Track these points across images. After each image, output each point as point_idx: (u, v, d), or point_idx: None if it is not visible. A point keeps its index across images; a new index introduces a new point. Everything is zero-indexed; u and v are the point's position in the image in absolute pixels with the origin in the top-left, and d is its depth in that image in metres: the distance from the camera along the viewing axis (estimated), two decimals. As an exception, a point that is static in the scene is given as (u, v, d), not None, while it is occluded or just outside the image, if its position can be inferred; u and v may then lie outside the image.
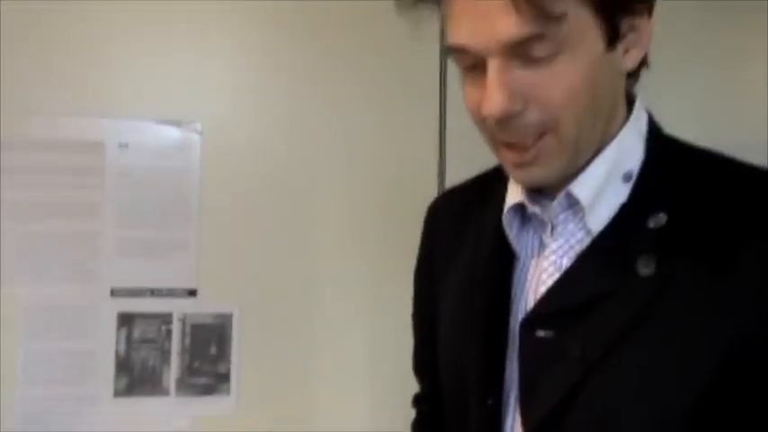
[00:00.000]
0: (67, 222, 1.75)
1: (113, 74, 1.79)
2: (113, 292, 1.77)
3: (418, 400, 1.14)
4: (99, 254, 1.76)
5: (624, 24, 0.81)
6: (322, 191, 1.86)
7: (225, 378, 1.81)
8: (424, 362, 1.08)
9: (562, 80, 0.79)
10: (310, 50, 1.85)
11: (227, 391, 1.81)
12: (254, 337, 1.82)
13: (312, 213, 1.85)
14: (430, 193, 1.83)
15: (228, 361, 1.81)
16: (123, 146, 1.81)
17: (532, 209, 0.90)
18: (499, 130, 0.83)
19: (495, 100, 0.79)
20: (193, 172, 1.82)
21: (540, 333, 0.84)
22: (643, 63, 0.87)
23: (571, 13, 0.77)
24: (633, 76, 0.88)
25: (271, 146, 1.85)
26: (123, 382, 1.77)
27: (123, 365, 1.77)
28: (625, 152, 0.87)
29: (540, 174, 0.85)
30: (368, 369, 1.85)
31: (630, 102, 0.90)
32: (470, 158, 1.85)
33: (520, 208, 0.91)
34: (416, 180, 1.87)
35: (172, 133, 1.82)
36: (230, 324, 1.81)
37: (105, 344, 1.76)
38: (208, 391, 1.80)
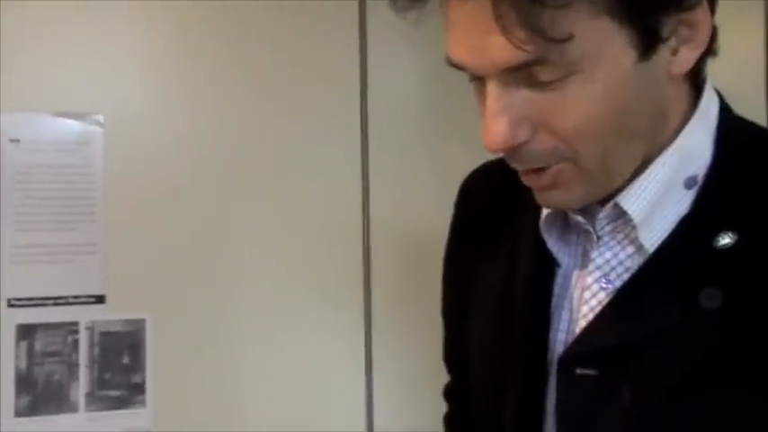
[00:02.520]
0: (-46, 227, 1.58)
1: (2, 62, 1.63)
2: (10, 303, 1.61)
3: (449, 394, 1.03)
4: (-8, 261, 1.60)
5: (666, 24, 0.66)
6: (236, 188, 1.76)
7: (140, 389, 1.69)
8: (453, 354, 0.98)
9: (576, 106, 0.66)
10: (225, 42, 1.74)
11: (143, 404, 1.69)
12: (170, 344, 1.71)
13: (227, 213, 1.75)
14: (353, 191, 1.81)
15: (143, 371, 1.69)
16: (15, 141, 1.65)
17: (575, 218, 0.77)
18: (508, 158, 0.71)
19: (494, 130, 0.67)
20: (96, 168, 1.68)
21: (581, 371, 0.73)
22: (707, 54, 0.72)
23: (581, 30, 0.63)
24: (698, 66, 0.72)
25: (182, 141, 1.74)
26: (25, 400, 1.61)
27: (24, 382, 1.61)
28: (689, 153, 0.73)
29: (561, 198, 0.73)
30: (289, 371, 1.78)
31: (698, 90, 0.75)
32: (394, 151, 1.84)
33: (560, 212, 0.78)
34: (339, 178, 1.81)
35: (71, 127, 1.67)
36: (143, 331, 1.69)
37: (4, 359, 1.60)
38: (121, 404, 1.68)
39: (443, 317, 1.01)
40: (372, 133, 1.82)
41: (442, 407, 1.04)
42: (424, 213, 1.78)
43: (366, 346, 1.81)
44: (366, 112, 1.83)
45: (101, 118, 1.69)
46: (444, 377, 1.03)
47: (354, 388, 1.80)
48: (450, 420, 1.03)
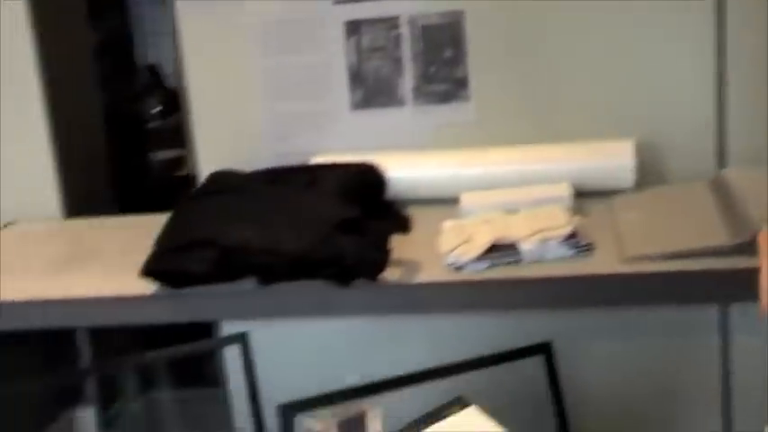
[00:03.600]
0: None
1: None
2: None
3: None
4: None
5: None
6: None
7: (463, 83, 1.64)
8: None
9: None
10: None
11: (466, 98, 1.64)
12: (490, 37, 1.59)
13: None
14: None
15: (465, 65, 1.62)
16: None
17: None
18: None
19: None
20: None
21: None
22: None
23: None
24: None
25: None
26: (359, 94, 1.69)
27: (357, 77, 1.68)
28: None
29: None
30: (617, 72, 1.53)
31: None
32: None
33: None
34: None
35: None
36: (463, 23, 1.60)
37: (336, 56, 1.67)
38: (446, 98, 1.65)
39: None
40: None
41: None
42: None
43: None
44: None
45: None
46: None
47: (702, 103, 1.50)
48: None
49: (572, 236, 1.40)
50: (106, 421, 1.72)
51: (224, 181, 1.57)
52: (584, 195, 1.54)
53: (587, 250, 1.40)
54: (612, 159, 1.57)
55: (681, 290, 1.30)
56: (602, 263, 1.35)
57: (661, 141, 1.58)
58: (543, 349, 0.97)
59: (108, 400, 1.74)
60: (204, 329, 1.57)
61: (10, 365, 1.50)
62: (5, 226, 1.76)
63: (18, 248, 1.68)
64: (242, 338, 1.10)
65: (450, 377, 1.15)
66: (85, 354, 1.70)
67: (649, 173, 1.56)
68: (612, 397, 1.50)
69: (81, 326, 1.54)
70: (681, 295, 1.32)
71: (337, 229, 1.39)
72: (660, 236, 1.38)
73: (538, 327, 1.22)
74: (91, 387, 1.71)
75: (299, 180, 1.54)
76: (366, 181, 1.58)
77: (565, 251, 1.39)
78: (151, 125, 2.56)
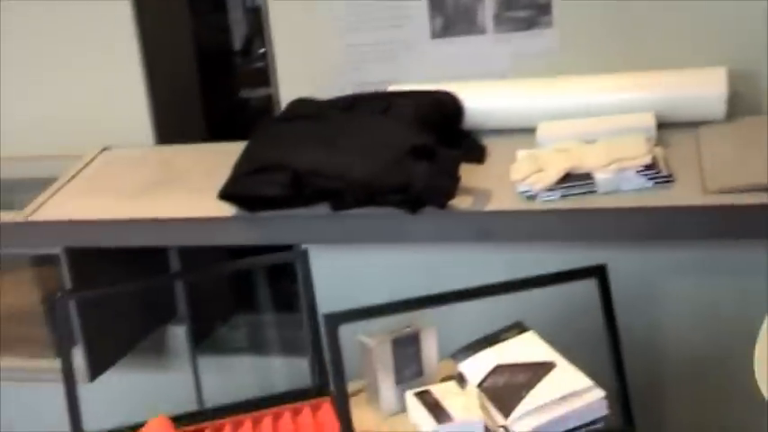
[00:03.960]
0: None
1: None
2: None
3: None
4: None
5: None
6: None
7: (546, 9, 1.58)
8: None
9: None
10: None
11: (549, 24, 1.59)
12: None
13: None
14: None
15: (548, -9, 1.57)
16: None
17: None
18: None
19: None
20: None
21: None
22: None
23: None
24: None
25: None
26: (439, 22, 1.66)
27: (436, 5, 1.65)
28: None
29: None
30: None
31: None
32: None
33: None
34: None
35: None
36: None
37: (416, -17, 1.65)
38: (527, 25, 1.60)
39: None
40: None
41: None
42: None
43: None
44: None
45: None
46: None
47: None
48: None
49: (651, 166, 1.35)
50: (196, 338, 1.81)
51: (301, 108, 1.59)
52: (670, 126, 1.48)
53: (667, 182, 1.35)
54: (703, 88, 1.49)
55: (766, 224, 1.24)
56: (682, 195, 1.30)
57: (755, 70, 1.48)
58: (598, 272, 0.95)
59: (198, 320, 1.83)
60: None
61: (107, 283, 1.60)
62: (102, 151, 1.86)
63: (113, 172, 1.77)
64: (303, 255, 1.13)
65: (506, 296, 1.15)
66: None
67: (741, 103, 1.47)
68: (675, 334, 1.44)
69: (167, 245, 1.62)
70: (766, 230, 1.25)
71: (408, 155, 1.39)
72: (746, 168, 1.31)
73: (609, 259, 1.19)
74: (182, 307, 1.80)
75: (374, 107, 1.54)
76: (442, 109, 1.57)
77: (642, 182, 1.35)
78: (249, 65, 2.61)
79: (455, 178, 1.37)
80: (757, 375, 0.70)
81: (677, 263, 1.29)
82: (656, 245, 1.34)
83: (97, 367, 1.67)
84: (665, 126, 1.47)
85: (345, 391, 0.93)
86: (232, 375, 1.77)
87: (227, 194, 1.44)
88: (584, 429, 0.99)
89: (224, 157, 1.52)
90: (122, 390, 1.79)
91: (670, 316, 1.36)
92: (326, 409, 1.10)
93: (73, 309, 1.54)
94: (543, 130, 1.51)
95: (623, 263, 1.32)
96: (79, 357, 1.62)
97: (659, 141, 1.46)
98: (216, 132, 2.00)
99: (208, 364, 1.82)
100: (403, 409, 1.12)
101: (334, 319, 0.91)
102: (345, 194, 1.39)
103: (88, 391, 1.38)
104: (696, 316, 1.44)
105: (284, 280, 1.89)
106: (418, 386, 1.11)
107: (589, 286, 0.96)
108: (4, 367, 1.71)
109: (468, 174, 1.44)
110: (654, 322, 1.37)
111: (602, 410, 1.00)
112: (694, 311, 1.44)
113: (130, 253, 1.60)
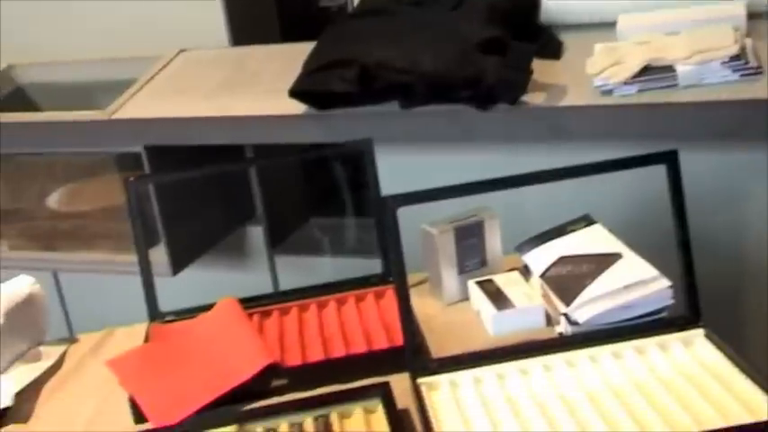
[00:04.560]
0: None
1: None
2: None
3: None
4: None
5: None
6: None
7: None
8: None
9: None
10: None
11: None
12: None
13: None
14: None
15: None
16: None
17: None
18: None
19: None
20: None
21: None
22: None
23: None
24: None
25: None
26: None
27: None
28: None
29: None
30: None
31: None
32: None
33: None
34: None
35: None
36: None
37: None
38: None
39: None
40: None
41: None
42: None
43: None
44: None
45: None
46: None
47: None
48: None
49: (738, 57, 1.27)
50: (274, 239, 1.85)
51: (373, 4, 1.56)
52: (763, 17, 1.39)
53: (755, 74, 1.27)
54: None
55: None
56: (771, 88, 1.23)
57: None
58: (669, 157, 0.90)
59: (275, 222, 1.87)
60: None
61: (185, 183, 1.65)
62: (179, 53, 1.89)
63: (190, 73, 1.80)
64: (368, 143, 1.13)
65: (575, 192, 1.11)
66: (252, 180, 1.81)
67: None
68: (755, 237, 1.37)
69: (240, 143, 1.64)
70: None
71: (478, 48, 1.35)
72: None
73: (688, 159, 1.14)
74: (260, 208, 1.84)
75: (446, 1, 1.50)
76: (517, 3, 1.51)
77: (727, 74, 1.28)
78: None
79: (527, 72, 1.33)
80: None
81: (761, 163, 1.21)
82: (740, 143, 1.27)
83: (179, 261, 1.73)
84: (758, 17, 1.38)
85: (404, 272, 0.93)
86: (308, 275, 1.80)
87: (296, 92, 1.44)
88: (648, 318, 0.97)
89: (298, 56, 1.51)
90: (202, 286, 1.85)
91: (750, 219, 1.30)
92: (389, 295, 1.11)
93: (152, 195, 1.59)
94: (624, 23, 1.44)
95: (703, 164, 1.27)
96: (162, 252, 1.69)
97: (750, 32, 1.37)
98: (289, 35, 2.00)
99: (285, 263, 1.86)
100: (465, 298, 1.12)
101: (395, 201, 0.90)
102: (415, 89, 1.37)
103: (169, 287, 1.43)
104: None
105: (358, 188, 1.90)
106: (481, 276, 1.10)
107: (664, 184, 0.92)
108: (92, 260, 1.81)
109: (543, 69, 1.39)
110: (732, 224, 1.31)
111: (667, 300, 0.97)
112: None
113: (209, 155, 1.64)
